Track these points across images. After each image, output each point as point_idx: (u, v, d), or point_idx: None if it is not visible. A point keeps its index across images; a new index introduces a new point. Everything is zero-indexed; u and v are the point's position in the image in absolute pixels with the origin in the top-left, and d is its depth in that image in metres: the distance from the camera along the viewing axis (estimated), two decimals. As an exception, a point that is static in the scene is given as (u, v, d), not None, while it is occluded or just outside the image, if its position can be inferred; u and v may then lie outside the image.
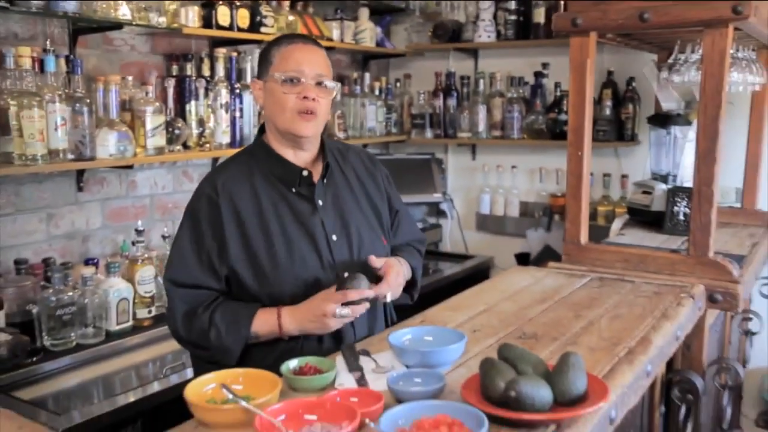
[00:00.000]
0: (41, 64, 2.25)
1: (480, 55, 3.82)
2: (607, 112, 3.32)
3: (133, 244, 2.52)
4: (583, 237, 2.29)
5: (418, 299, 1.91)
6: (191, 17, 2.63)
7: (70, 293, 2.23)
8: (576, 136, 2.21)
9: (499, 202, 3.81)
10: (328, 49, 3.29)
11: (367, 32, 3.52)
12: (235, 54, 2.86)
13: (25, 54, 2.16)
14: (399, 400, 1.22)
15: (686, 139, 2.87)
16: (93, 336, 2.29)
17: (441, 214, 4.02)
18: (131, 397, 2.01)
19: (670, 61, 2.42)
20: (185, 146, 2.68)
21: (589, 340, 1.61)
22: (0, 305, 2.09)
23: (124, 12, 2.40)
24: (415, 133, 3.86)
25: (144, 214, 2.77)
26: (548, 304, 1.90)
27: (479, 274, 3.62)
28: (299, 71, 1.63)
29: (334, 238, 1.70)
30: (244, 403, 1.10)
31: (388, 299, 1.67)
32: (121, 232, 2.69)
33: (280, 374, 1.31)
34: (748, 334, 2.70)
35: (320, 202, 1.71)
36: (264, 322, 1.57)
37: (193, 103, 2.70)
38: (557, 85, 3.49)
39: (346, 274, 1.60)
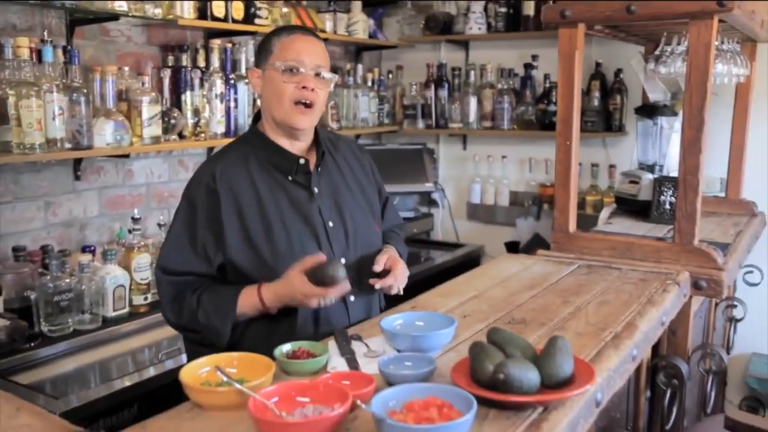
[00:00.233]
0: (39, 54, 2.23)
1: (471, 47, 3.81)
2: (596, 103, 3.32)
3: (130, 232, 2.50)
4: (572, 225, 2.29)
5: (411, 286, 1.91)
6: (186, 9, 2.61)
7: (68, 280, 2.21)
8: (564, 126, 2.21)
9: (489, 192, 3.81)
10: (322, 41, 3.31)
11: (359, 24, 3.50)
12: (229, 45, 2.84)
13: (23, 44, 2.14)
14: (390, 383, 1.22)
15: (672, 130, 2.88)
16: (90, 322, 2.28)
17: (432, 203, 4.02)
18: (127, 382, 2.01)
19: (656, 52, 2.42)
20: (181, 136, 2.67)
21: (576, 325, 1.61)
22: (-2, 291, 2.09)
23: (120, 3, 2.37)
24: (407, 124, 3.85)
25: (140, 203, 2.76)
26: (537, 291, 1.90)
27: (470, 262, 3.62)
28: (299, 61, 1.63)
29: (331, 224, 1.70)
30: (237, 386, 1.10)
31: (394, 292, 1.71)
32: (118, 220, 2.67)
33: (274, 358, 1.31)
34: (732, 320, 2.72)
35: (316, 190, 1.71)
36: (247, 300, 1.57)
37: (188, 93, 2.69)
38: (546, 76, 3.49)
39: (324, 258, 1.56)
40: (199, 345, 1.63)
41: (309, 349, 1.36)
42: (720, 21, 2.01)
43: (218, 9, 2.73)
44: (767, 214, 3.01)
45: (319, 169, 1.74)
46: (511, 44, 3.64)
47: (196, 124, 2.72)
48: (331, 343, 1.46)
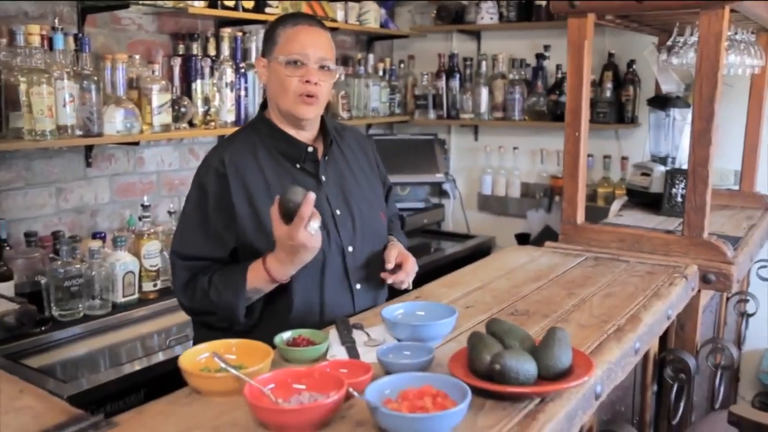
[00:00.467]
0: (50, 42, 2.24)
1: (483, 37, 3.78)
2: (608, 94, 3.28)
3: (140, 219, 2.52)
4: (580, 217, 2.27)
5: (420, 277, 1.92)
6: (197, -3, 2.61)
7: (78, 265, 2.24)
8: (573, 117, 2.18)
9: (500, 183, 3.79)
10: (332, 30, 3.28)
11: (371, 14, 3.48)
12: (240, 34, 2.84)
13: (35, 32, 2.16)
14: (388, 372, 1.22)
15: (685, 122, 2.83)
16: (100, 307, 2.30)
17: (444, 194, 4.00)
18: (136, 367, 2.03)
19: (669, 43, 2.38)
20: (191, 124, 2.68)
21: (579, 317, 1.60)
22: (9, 276, 2.11)
23: (130, -9, 2.38)
24: (418, 114, 3.83)
25: (151, 190, 2.78)
26: (542, 282, 1.89)
27: (480, 253, 3.58)
28: (303, 54, 1.61)
29: (338, 212, 1.70)
30: (234, 371, 1.10)
31: (404, 286, 1.73)
32: (129, 207, 2.69)
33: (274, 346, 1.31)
34: (744, 315, 2.68)
35: (324, 178, 1.71)
36: (255, 273, 1.55)
37: (198, 82, 2.69)
38: (558, 67, 3.45)
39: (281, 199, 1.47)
40: (212, 329, 1.62)
41: (309, 337, 1.36)
42: (732, 11, 1.97)
43: (229, -3, 2.73)
44: (781, 208, 2.97)
45: (327, 157, 1.74)
46: (523, 34, 3.60)
47: (206, 113, 2.72)
48: (333, 332, 1.46)
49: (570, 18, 2.12)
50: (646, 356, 1.98)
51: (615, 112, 3.29)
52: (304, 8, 3.12)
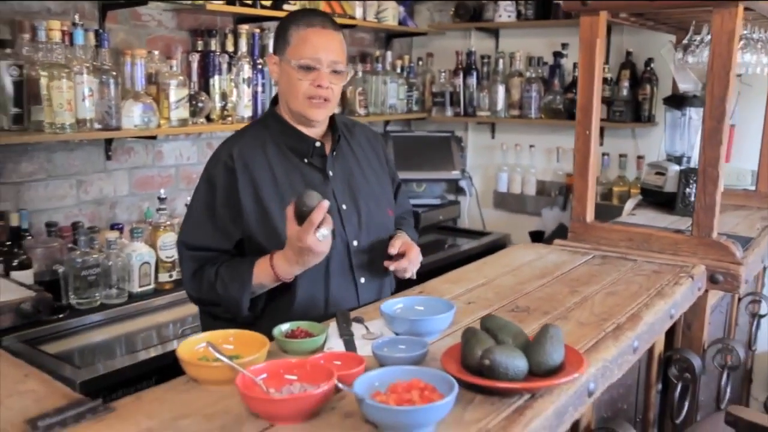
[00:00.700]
0: (71, 37, 2.28)
1: (501, 35, 3.75)
2: (625, 92, 3.24)
3: (157, 211, 2.56)
4: (589, 215, 2.25)
5: (434, 272, 1.94)
6: (215, -6, 2.64)
7: (95, 255, 2.28)
8: (584, 114, 2.17)
9: (516, 181, 3.77)
10: (351, 26, 3.30)
11: (389, 11, 3.48)
12: (257, 30, 2.86)
13: (55, 27, 2.20)
14: (382, 365, 1.22)
15: (701, 121, 2.78)
16: (117, 296, 2.34)
17: (460, 191, 3.99)
18: (150, 354, 2.06)
19: (684, 42, 2.34)
20: (208, 119, 2.71)
21: (580, 314, 1.58)
22: (29, 264, 2.16)
23: (150, -12, 2.42)
24: (435, 111, 3.82)
25: (169, 183, 2.82)
26: (546, 280, 1.87)
27: (495, 250, 3.50)
28: (315, 59, 1.60)
29: (344, 207, 1.71)
30: (227, 361, 1.12)
31: (407, 275, 1.72)
32: (147, 199, 2.73)
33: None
34: (756, 316, 2.63)
35: (331, 173, 1.72)
36: (261, 269, 1.56)
37: (216, 77, 2.72)
38: (575, 65, 3.41)
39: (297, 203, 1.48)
40: (217, 319, 1.65)
41: (307, 329, 1.37)
42: (748, 9, 1.93)
43: (247, -6, 2.75)
44: (799, 209, 2.90)
45: (335, 153, 1.75)
46: (540, 32, 3.57)
47: (223, 108, 2.75)
48: (333, 324, 1.47)
49: (582, 16, 2.10)
50: (651, 355, 1.96)
51: (631, 110, 3.25)
52: (323, 6, 3.13)
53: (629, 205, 2.89)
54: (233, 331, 1.30)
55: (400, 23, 3.61)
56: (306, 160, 1.70)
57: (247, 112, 2.79)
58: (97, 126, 2.29)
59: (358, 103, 3.39)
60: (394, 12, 3.51)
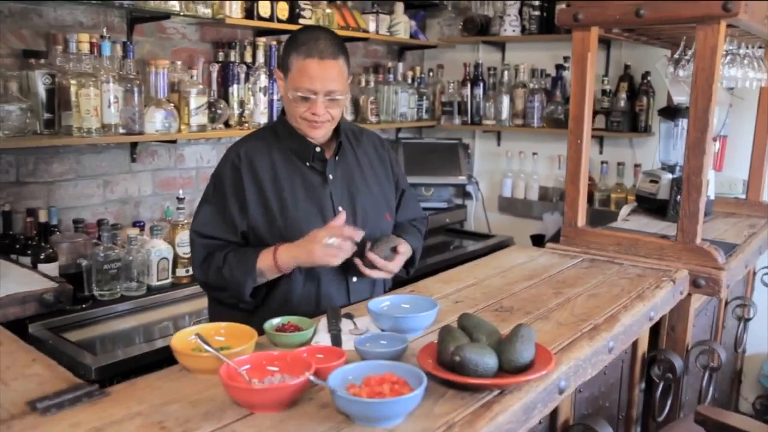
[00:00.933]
0: (99, 49, 2.32)
1: (506, 48, 3.73)
2: (622, 103, 3.19)
3: (177, 210, 2.58)
4: (581, 220, 2.23)
5: (437, 271, 1.95)
6: (234, 8, 2.66)
7: (117, 251, 2.31)
8: (576, 124, 2.14)
9: (520, 186, 3.73)
10: (364, 40, 3.30)
11: (401, 25, 3.47)
12: (274, 43, 2.88)
13: (84, 39, 2.24)
14: (364, 359, 1.22)
15: (694, 132, 2.73)
16: (136, 289, 2.37)
17: (467, 195, 3.97)
18: (164, 343, 2.08)
19: (675, 56, 2.30)
20: (227, 125, 2.73)
21: (560, 315, 1.57)
22: (54, 257, 2.19)
23: (173, 3, 2.44)
24: (444, 120, 3.81)
25: (190, 185, 2.84)
26: (534, 281, 1.86)
27: (498, 252, 3.56)
28: (311, 90, 1.59)
29: (340, 209, 1.71)
30: (213, 352, 1.13)
31: (375, 276, 1.70)
32: (169, 199, 2.76)
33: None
34: (742, 319, 2.58)
35: (331, 177, 1.73)
36: (265, 258, 1.60)
37: (235, 86, 2.74)
38: (577, 77, 3.37)
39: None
40: (222, 304, 1.70)
41: (297, 324, 1.37)
42: (731, 26, 1.89)
43: (264, 9, 2.76)
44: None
45: (337, 158, 1.76)
46: (543, 46, 3.54)
47: (241, 114, 2.77)
48: (324, 320, 1.48)
49: (574, 31, 2.08)
50: (634, 355, 1.93)
51: (629, 121, 3.21)
52: (337, 19, 3.14)
53: (624, 211, 2.85)
54: (225, 324, 1.31)
55: (411, 36, 3.60)
56: (308, 164, 1.72)
57: (263, 119, 2.81)
58: (121, 131, 2.32)
59: (369, 111, 3.39)
60: (405, 26, 3.51)
